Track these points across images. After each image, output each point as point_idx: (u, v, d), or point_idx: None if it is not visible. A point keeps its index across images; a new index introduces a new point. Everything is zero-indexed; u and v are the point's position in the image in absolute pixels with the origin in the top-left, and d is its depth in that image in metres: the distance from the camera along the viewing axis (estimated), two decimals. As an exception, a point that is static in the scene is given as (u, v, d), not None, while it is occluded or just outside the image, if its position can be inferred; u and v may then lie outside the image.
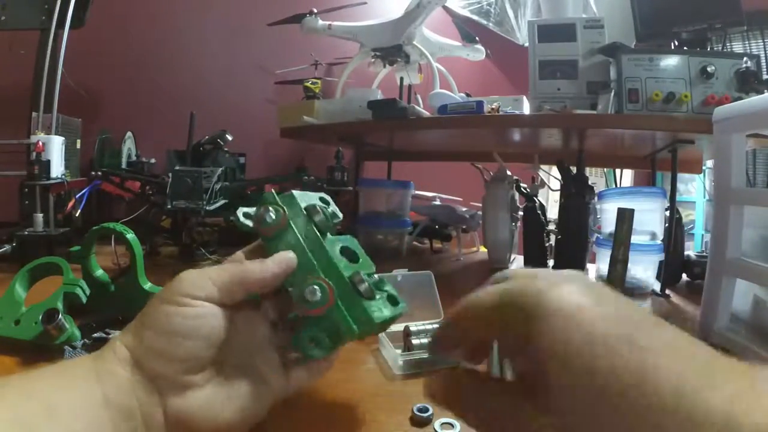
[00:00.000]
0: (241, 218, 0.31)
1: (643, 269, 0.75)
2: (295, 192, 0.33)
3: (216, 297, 0.26)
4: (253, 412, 0.27)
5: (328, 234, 0.32)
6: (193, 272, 0.27)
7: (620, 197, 0.81)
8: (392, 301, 0.32)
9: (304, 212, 0.31)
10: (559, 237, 0.81)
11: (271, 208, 0.31)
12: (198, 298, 0.26)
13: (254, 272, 0.28)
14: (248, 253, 0.31)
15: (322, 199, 0.35)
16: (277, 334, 0.30)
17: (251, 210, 0.32)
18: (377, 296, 0.30)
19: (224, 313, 0.26)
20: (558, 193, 0.84)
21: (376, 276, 0.32)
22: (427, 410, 0.31)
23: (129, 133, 1.04)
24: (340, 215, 0.34)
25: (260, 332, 0.29)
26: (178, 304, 0.25)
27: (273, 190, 0.34)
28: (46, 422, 0.21)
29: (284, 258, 0.29)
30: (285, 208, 0.31)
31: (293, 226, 0.31)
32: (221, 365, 0.27)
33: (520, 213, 0.91)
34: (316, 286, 0.28)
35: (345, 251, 0.32)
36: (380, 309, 0.30)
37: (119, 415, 0.23)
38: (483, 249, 1.01)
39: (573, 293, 0.19)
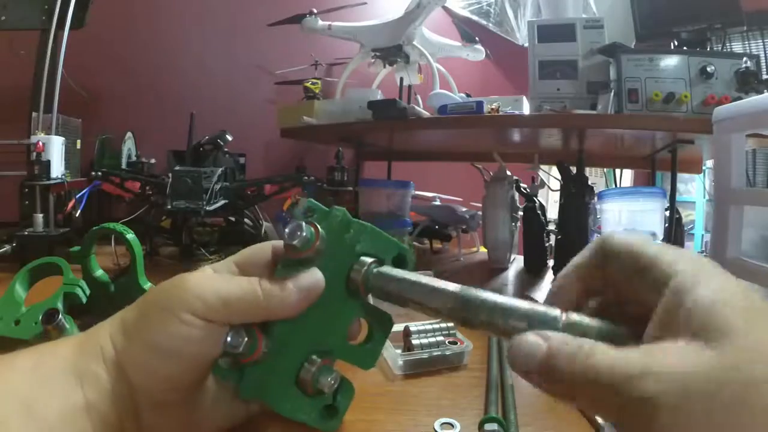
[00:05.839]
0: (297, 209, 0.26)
1: (643, 269, 0.75)
2: (365, 225, 0.26)
3: (221, 318, 0.23)
4: (236, 419, 0.26)
5: (357, 298, 0.27)
6: (201, 279, 0.24)
7: (620, 197, 0.81)
8: (328, 413, 0.27)
9: (354, 255, 0.26)
10: (559, 237, 0.81)
11: (304, 226, 0.24)
12: (202, 317, 0.22)
13: (273, 298, 0.24)
14: (242, 264, 0.27)
15: (399, 256, 0.28)
16: None
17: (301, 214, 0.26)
18: (317, 397, 0.26)
19: (216, 334, 0.23)
20: (558, 193, 0.84)
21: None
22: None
23: (129, 134, 1.04)
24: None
25: None
26: (179, 320, 0.22)
27: (344, 209, 0.27)
28: (23, 422, 0.19)
29: (311, 282, 0.25)
30: (321, 231, 0.25)
31: (325, 262, 0.25)
32: (202, 382, 0.25)
33: (520, 213, 0.91)
34: (242, 337, 0.23)
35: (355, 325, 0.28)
36: (300, 408, 0.25)
37: (100, 424, 0.21)
38: (483, 249, 1.01)
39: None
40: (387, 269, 0.26)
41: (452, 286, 0.22)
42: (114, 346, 0.23)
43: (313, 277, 0.25)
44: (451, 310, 0.22)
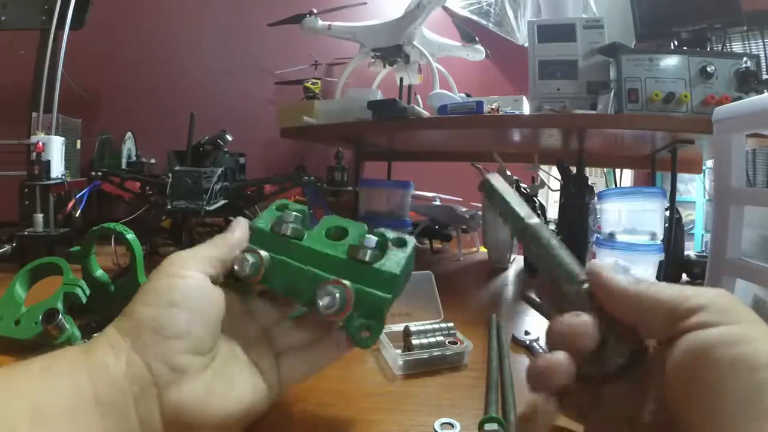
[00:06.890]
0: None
1: (643, 269, 0.75)
2: (261, 220, 0.31)
3: (208, 269, 0.27)
4: (253, 405, 0.26)
5: (305, 232, 0.31)
6: (180, 252, 0.28)
7: (620, 197, 0.81)
8: (399, 243, 0.30)
9: (278, 234, 0.30)
10: (559, 237, 0.81)
11: (248, 256, 0.28)
12: (191, 269, 0.26)
13: (227, 238, 0.29)
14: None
15: (297, 204, 0.33)
16: (267, 333, 0.30)
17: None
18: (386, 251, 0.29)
19: (217, 289, 0.27)
20: (558, 193, 0.84)
21: (368, 236, 0.30)
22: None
23: (129, 134, 1.04)
24: (304, 208, 0.32)
25: (252, 329, 0.29)
26: (173, 276, 0.25)
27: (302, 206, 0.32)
28: (30, 426, 0.19)
29: (238, 224, 0.31)
30: (258, 249, 0.29)
31: (275, 256, 0.29)
32: (216, 356, 0.26)
33: (520, 213, 0.91)
34: (327, 296, 0.26)
35: (332, 232, 0.31)
36: (391, 259, 0.29)
37: (111, 414, 0.21)
38: (483, 249, 1.01)
39: None
40: None
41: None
42: (119, 330, 0.24)
43: (238, 221, 0.31)
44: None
